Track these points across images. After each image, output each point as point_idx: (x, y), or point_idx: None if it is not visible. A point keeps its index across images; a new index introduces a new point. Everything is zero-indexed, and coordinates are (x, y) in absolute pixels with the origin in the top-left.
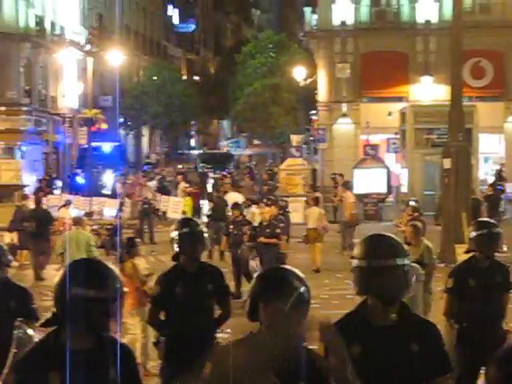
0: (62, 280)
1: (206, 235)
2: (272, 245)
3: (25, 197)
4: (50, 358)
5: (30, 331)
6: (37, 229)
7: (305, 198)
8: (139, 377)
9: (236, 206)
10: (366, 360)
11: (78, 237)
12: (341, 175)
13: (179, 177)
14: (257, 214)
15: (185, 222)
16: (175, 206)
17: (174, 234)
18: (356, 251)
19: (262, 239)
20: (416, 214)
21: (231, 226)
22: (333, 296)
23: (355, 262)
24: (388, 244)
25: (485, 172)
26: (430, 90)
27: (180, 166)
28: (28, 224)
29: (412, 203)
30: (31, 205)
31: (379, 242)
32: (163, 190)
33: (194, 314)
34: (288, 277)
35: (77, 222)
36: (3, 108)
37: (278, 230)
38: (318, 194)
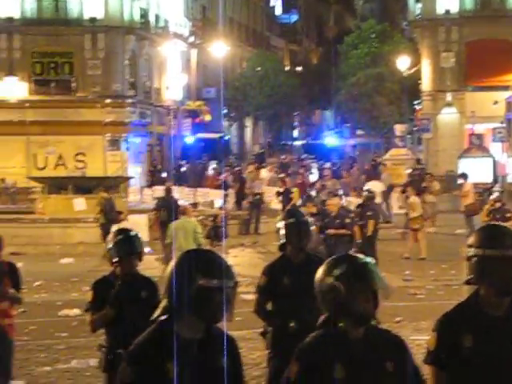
0: (179, 269)
1: (312, 226)
2: (343, 236)
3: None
4: (164, 348)
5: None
6: (168, 218)
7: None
8: (242, 368)
9: (308, 198)
10: (478, 350)
11: (186, 226)
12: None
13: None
14: (353, 203)
15: (291, 213)
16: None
17: (281, 225)
18: (473, 240)
19: (330, 231)
20: (498, 205)
21: None
22: (438, 287)
23: (472, 251)
24: (506, 233)
25: None
26: None
27: (283, 157)
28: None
29: (495, 194)
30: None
31: (497, 231)
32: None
33: (300, 305)
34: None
35: (183, 211)
36: (109, 100)
37: (348, 220)
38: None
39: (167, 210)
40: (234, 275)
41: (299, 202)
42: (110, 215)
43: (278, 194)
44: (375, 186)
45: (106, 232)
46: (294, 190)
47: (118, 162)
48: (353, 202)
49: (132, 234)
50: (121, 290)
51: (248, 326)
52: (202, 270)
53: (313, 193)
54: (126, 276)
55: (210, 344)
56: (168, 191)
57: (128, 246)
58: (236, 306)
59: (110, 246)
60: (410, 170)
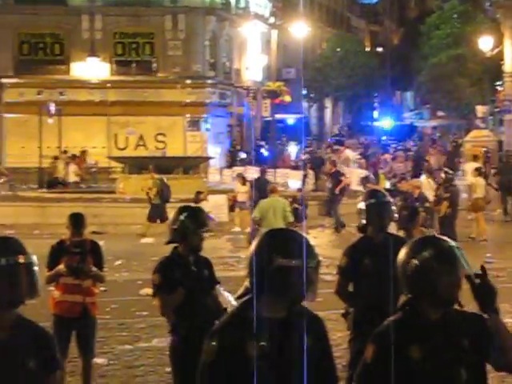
0: (259, 248)
1: (393, 206)
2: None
3: (264, 172)
4: (247, 327)
5: (227, 295)
6: (260, 198)
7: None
8: (330, 348)
9: (365, 179)
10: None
11: (275, 204)
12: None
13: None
14: (425, 185)
15: (372, 193)
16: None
17: (361, 205)
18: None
19: None
20: None
21: None
22: None
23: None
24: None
25: None
26: None
27: (363, 138)
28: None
29: None
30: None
31: None
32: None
33: (382, 286)
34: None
35: (272, 189)
36: (189, 81)
37: (428, 205)
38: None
39: (260, 191)
40: (315, 255)
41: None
42: (165, 197)
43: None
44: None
45: (158, 213)
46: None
47: (198, 142)
48: (426, 184)
49: (198, 209)
50: (190, 269)
51: (329, 306)
52: (282, 250)
53: (371, 174)
54: (191, 254)
55: (292, 324)
56: (263, 172)
57: (196, 221)
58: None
59: (177, 223)
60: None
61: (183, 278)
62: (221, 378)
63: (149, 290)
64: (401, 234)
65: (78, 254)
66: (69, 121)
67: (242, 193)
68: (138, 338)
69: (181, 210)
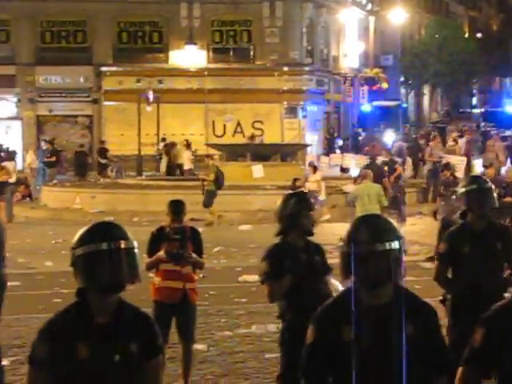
0: (348, 235)
1: (494, 193)
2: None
3: (373, 158)
4: (345, 312)
5: (336, 284)
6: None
7: None
8: (439, 335)
9: (446, 166)
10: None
11: (369, 190)
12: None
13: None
14: None
15: (473, 179)
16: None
17: (461, 191)
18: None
19: (508, 199)
20: None
21: (442, 187)
22: None
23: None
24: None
25: None
26: None
27: (462, 125)
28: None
29: None
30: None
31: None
32: None
33: (481, 273)
34: None
35: (364, 175)
36: (286, 68)
37: None
38: None
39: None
40: (402, 238)
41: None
42: (219, 183)
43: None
44: None
45: (211, 199)
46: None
47: (295, 129)
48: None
49: (304, 193)
50: (299, 256)
51: (427, 293)
52: (365, 235)
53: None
54: (302, 240)
55: (394, 310)
56: (372, 158)
57: (305, 204)
58: (416, 274)
59: (287, 209)
60: None
61: (292, 264)
62: (319, 361)
63: (248, 277)
64: None
65: (178, 241)
66: (167, 108)
67: (313, 182)
68: (237, 325)
69: (288, 196)
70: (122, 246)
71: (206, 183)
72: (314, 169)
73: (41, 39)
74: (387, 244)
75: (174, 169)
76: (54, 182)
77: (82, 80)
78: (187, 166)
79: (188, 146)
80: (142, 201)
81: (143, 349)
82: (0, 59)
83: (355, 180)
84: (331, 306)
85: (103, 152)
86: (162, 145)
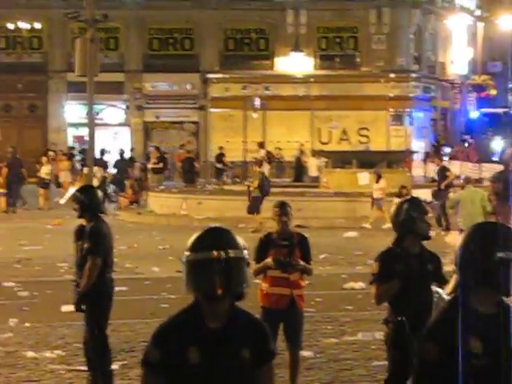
0: (473, 243)
1: None
2: None
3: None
4: (465, 323)
5: (444, 295)
6: (504, 190)
7: None
8: None
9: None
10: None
11: (472, 195)
12: None
13: None
14: None
15: None
16: None
17: None
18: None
19: None
20: None
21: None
22: None
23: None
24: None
25: None
26: None
27: None
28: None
29: None
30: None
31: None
32: None
33: None
34: None
35: (467, 180)
36: (393, 75)
37: None
38: None
39: (504, 183)
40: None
41: None
42: (265, 190)
43: None
44: None
45: (257, 205)
46: None
47: (402, 136)
48: None
49: (418, 198)
50: (411, 262)
51: None
52: (501, 244)
53: None
54: (417, 246)
55: (502, 319)
56: (506, 165)
57: (420, 209)
58: None
59: (402, 214)
60: None
61: (402, 269)
62: (446, 379)
63: (354, 284)
64: None
65: (286, 247)
66: (273, 115)
67: (377, 189)
68: (343, 332)
69: (402, 202)
70: (232, 255)
71: (251, 190)
72: (379, 177)
73: (149, 46)
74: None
75: (301, 175)
76: (161, 187)
77: (188, 87)
78: (313, 172)
79: (316, 154)
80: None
81: (255, 355)
82: (109, 66)
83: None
84: (445, 318)
85: (220, 158)
86: (262, 152)
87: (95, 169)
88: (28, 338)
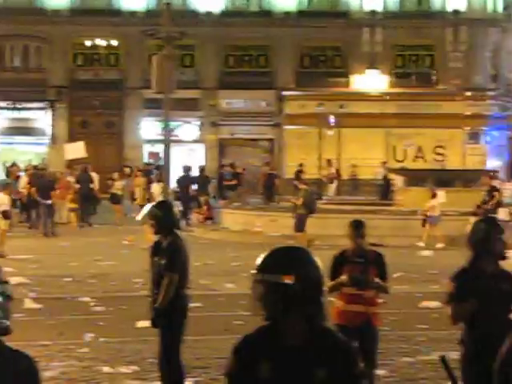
0: None
1: None
2: None
3: None
4: None
5: None
6: None
7: None
8: None
9: None
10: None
11: None
12: None
13: None
14: None
15: None
16: None
17: None
18: None
19: None
20: None
21: None
22: None
23: None
24: None
25: None
26: None
27: None
28: None
29: None
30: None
31: None
32: None
33: None
34: None
35: None
36: (469, 93)
37: None
38: None
39: None
40: None
41: None
42: (309, 207)
43: None
44: None
45: (302, 223)
46: None
47: (478, 155)
48: None
49: (493, 217)
50: (486, 281)
51: None
52: None
53: None
54: (492, 266)
55: None
56: None
57: (496, 227)
58: None
59: (479, 233)
60: None
61: (477, 289)
62: None
63: (429, 303)
64: None
65: (361, 264)
66: (347, 133)
67: (433, 206)
68: (418, 351)
69: (478, 222)
70: (288, 281)
71: (296, 207)
72: (434, 194)
73: (224, 63)
74: None
75: (387, 193)
76: (235, 204)
77: (263, 104)
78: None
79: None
80: (322, 224)
81: (335, 376)
82: (184, 83)
83: None
84: None
85: (298, 175)
86: (332, 169)
87: (161, 184)
88: (103, 353)
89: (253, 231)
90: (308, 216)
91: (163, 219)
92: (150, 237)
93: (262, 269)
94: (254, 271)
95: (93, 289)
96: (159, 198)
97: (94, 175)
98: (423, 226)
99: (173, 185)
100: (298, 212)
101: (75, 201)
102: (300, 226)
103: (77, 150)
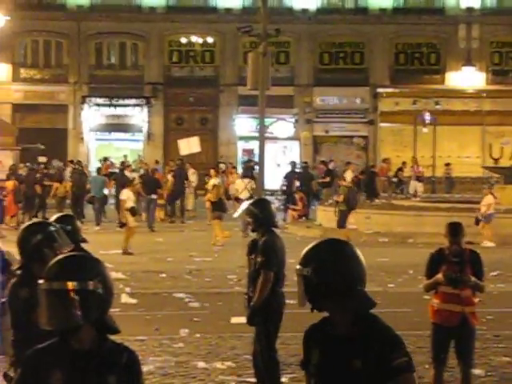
0: None
1: None
2: None
3: None
4: None
5: None
6: None
7: None
8: None
9: None
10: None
11: None
12: None
13: None
14: None
15: None
16: None
17: None
18: None
19: None
20: None
21: None
22: None
23: None
24: None
25: None
26: None
27: None
28: None
29: None
30: None
31: None
32: None
33: None
34: None
35: None
36: None
37: None
38: None
39: None
40: None
41: None
42: (351, 204)
43: None
44: None
45: (342, 219)
46: None
47: None
48: None
49: None
50: None
51: None
52: None
53: None
54: None
55: None
56: None
57: None
58: None
59: None
60: None
61: None
62: None
63: None
64: None
65: (457, 264)
66: (442, 130)
67: (484, 205)
68: None
69: None
70: (311, 271)
71: (338, 204)
72: (491, 194)
73: (319, 60)
74: None
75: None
76: (330, 201)
77: (358, 101)
78: None
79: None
80: (417, 222)
81: (373, 364)
82: (279, 80)
83: None
84: None
85: (398, 172)
86: (419, 168)
87: (245, 181)
88: (199, 349)
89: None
90: (349, 212)
91: (260, 217)
92: (219, 233)
93: (299, 262)
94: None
95: (188, 284)
96: (243, 194)
97: (192, 171)
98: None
99: (268, 181)
100: (340, 208)
101: (163, 197)
102: (341, 222)
103: (192, 145)
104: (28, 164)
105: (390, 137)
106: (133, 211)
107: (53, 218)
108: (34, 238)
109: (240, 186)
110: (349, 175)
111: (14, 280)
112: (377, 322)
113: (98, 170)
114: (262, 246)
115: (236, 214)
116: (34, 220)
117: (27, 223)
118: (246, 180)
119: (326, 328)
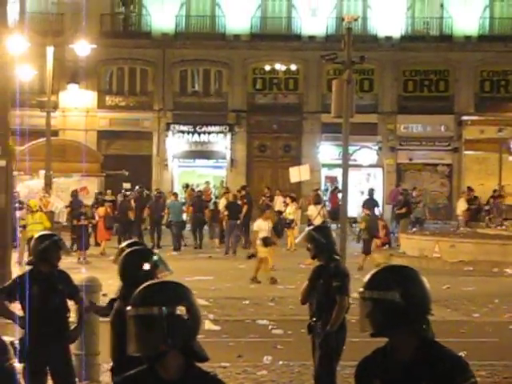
0: None
1: None
2: None
3: None
4: None
5: None
6: None
7: None
8: None
9: None
10: None
11: None
12: None
13: None
14: None
15: None
16: None
17: None
18: None
19: None
20: None
21: None
22: None
23: None
24: None
25: None
26: None
27: None
28: None
29: None
30: None
31: None
32: None
33: None
34: None
35: None
36: None
37: None
38: None
39: None
40: None
41: None
42: (372, 232)
43: None
44: None
45: (366, 246)
46: None
47: None
48: None
49: None
50: None
51: None
52: None
53: None
54: None
55: None
56: None
57: None
58: None
59: None
60: None
61: None
62: None
63: None
64: None
65: None
66: None
67: None
68: None
69: None
70: (375, 295)
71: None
72: None
73: (403, 88)
74: None
75: None
76: (414, 230)
77: (442, 129)
78: None
79: None
80: (503, 251)
81: None
82: (363, 107)
83: None
84: None
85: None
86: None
87: (318, 207)
88: (282, 376)
89: (431, 257)
90: (371, 240)
91: (322, 243)
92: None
93: (368, 286)
94: (361, 289)
95: (271, 312)
96: (317, 220)
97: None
98: None
99: (352, 209)
100: (363, 236)
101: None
102: (365, 249)
103: (303, 173)
104: (123, 190)
105: (475, 165)
106: (265, 242)
107: (124, 243)
108: (140, 264)
109: (313, 213)
110: (462, 205)
111: (118, 303)
112: (439, 345)
113: (176, 195)
114: (336, 270)
115: (297, 240)
116: (139, 247)
117: (131, 249)
118: (319, 206)
119: (384, 357)
